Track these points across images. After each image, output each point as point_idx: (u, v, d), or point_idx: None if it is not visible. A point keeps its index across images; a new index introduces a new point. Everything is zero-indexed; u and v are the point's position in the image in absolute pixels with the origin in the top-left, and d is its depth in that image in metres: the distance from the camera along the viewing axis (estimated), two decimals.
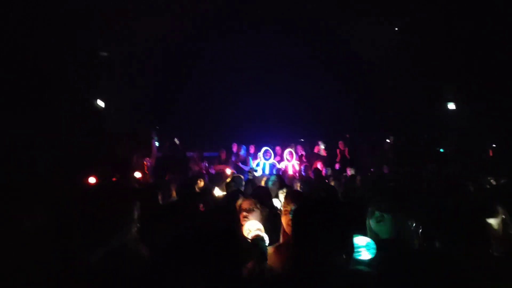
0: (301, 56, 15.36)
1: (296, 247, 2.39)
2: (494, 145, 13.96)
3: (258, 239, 3.33)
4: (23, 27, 10.87)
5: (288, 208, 3.67)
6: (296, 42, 15.02)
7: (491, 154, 13.26)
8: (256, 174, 11.55)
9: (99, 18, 12.27)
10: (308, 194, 6.06)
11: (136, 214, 3.83)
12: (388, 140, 14.06)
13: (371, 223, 3.36)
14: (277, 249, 3.56)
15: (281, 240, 3.69)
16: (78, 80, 12.83)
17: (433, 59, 14.23)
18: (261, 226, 3.52)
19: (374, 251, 2.99)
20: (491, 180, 7.10)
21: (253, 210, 3.92)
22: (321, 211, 2.33)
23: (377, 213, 3.32)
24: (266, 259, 3.18)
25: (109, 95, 14.83)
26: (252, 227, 3.48)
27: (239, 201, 4.03)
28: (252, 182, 8.84)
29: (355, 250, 2.99)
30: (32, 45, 11.03)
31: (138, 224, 3.74)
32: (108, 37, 13.46)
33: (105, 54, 14.69)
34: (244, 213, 3.89)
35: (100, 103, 14.87)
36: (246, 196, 4.23)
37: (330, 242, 2.18)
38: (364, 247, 3.03)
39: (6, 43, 10.45)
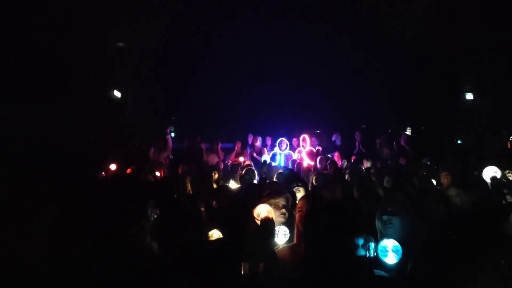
0: (318, 45, 15.24)
1: (306, 250, 2.41)
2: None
3: (267, 220, 3.37)
4: (37, 19, 10.99)
5: (304, 209, 3.66)
6: (312, 30, 14.89)
7: (509, 146, 13.05)
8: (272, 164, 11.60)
9: (112, 10, 12.34)
10: (321, 189, 6.06)
11: (149, 211, 3.87)
12: (406, 132, 13.90)
13: (379, 225, 3.35)
14: (291, 249, 3.56)
15: (295, 240, 3.67)
16: (94, 71, 12.93)
17: (453, 49, 14.03)
18: (271, 210, 3.55)
19: (400, 255, 2.97)
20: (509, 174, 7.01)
21: (287, 207, 3.98)
22: (331, 216, 2.34)
23: (385, 217, 3.31)
24: (273, 237, 3.29)
25: (125, 87, 14.94)
26: (263, 210, 3.51)
27: (256, 210, 3.89)
28: (266, 176, 8.89)
29: (382, 251, 2.99)
30: (47, 37, 11.14)
31: (151, 220, 3.80)
32: (122, 30, 13.54)
33: (121, 44, 14.79)
34: (283, 210, 3.94)
35: (117, 94, 14.99)
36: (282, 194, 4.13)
37: (339, 245, 2.19)
38: (391, 250, 3.00)
39: (20, 35, 10.57)
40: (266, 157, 12.77)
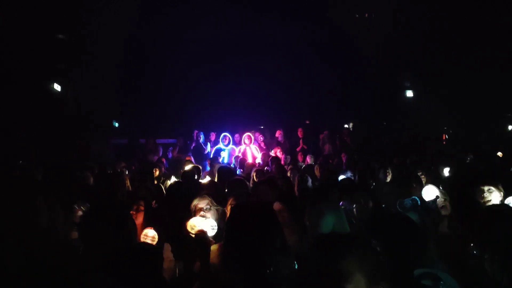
0: (260, 42, 15.23)
1: (226, 247, 2.41)
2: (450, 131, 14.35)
3: (200, 235, 3.29)
4: None
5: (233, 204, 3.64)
6: (256, 26, 14.87)
7: (444, 138, 13.62)
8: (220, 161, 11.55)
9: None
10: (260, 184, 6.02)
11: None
12: (346, 126, 14.18)
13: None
14: (220, 247, 3.49)
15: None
16: (31, 64, 12.39)
17: (392, 47, 14.41)
18: (206, 223, 3.47)
19: None
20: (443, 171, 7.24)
21: (209, 209, 3.89)
22: (252, 214, 2.33)
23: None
24: (208, 255, 3.09)
25: (66, 80, 14.41)
26: (197, 223, 3.43)
27: (195, 201, 3.95)
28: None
29: None
30: None
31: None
32: (63, 20, 13.04)
33: (60, 36, 14.21)
34: (202, 213, 3.83)
35: (56, 87, 14.41)
36: (201, 195, 4.08)
37: (260, 244, 2.15)
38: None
39: None
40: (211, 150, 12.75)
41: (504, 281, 2.23)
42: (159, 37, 15.04)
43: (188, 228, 3.44)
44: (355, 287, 1.57)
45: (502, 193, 4.11)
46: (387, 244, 2.23)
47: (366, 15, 15.53)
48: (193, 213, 3.82)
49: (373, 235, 2.40)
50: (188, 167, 8.16)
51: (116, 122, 16.21)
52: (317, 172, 8.41)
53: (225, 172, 6.90)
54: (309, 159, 11.19)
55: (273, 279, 2.11)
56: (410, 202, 4.15)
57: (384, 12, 14.23)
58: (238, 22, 14.79)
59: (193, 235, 3.36)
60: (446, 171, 7.28)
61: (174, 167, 9.97)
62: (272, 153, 12.03)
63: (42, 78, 13.56)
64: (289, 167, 9.26)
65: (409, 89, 15.45)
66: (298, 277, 2.17)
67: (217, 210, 3.94)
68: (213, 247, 3.45)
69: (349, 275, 1.58)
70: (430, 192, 4.30)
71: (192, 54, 15.09)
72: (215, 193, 4.45)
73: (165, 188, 7.26)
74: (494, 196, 4.09)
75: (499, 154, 9.92)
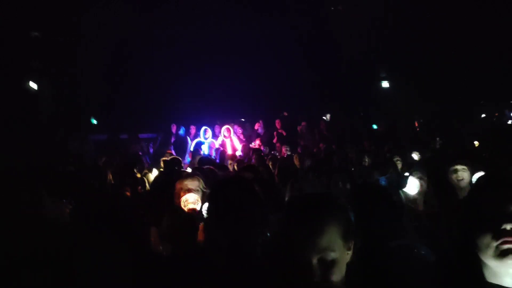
0: (238, 34, 15.29)
1: (208, 226, 2.46)
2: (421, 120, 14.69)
3: (192, 213, 3.36)
4: None
5: None
6: (233, 18, 14.92)
7: (416, 124, 13.95)
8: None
9: None
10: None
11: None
12: (324, 118, 14.38)
13: None
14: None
15: None
16: (10, 61, 12.25)
17: (368, 38, 14.65)
18: (198, 199, 3.53)
19: None
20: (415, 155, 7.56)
21: (198, 191, 3.77)
22: (232, 187, 2.39)
23: None
24: (196, 231, 3.16)
25: (42, 77, 14.24)
26: (190, 199, 3.49)
27: (186, 181, 3.81)
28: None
29: None
30: None
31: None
32: (37, 17, 12.89)
33: (35, 33, 14.05)
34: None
35: (33, 85, 14.25)
36: (192, 175, 3.99)
37: (243, 222, 2.23)
38: None
39: None
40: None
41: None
42: (136, 32, 14.97)
43: (182, 202, 3.51)
44: (328, 247, 1.54)
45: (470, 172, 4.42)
46: (364, 210, 2.40)
47: (340, 7, 15.70)
48: (182, 192, 3.71)
49: (352, 200, 2.56)
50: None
51: (95, 119, 16.10)
52: (296, 162, 8.56)
53: (206, 161, 7.03)
54: (284, 150, 11.23)
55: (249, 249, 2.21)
56: (385, 180, 4.34)
57: (361, 3, 14.43)
58: (215, 15, 14.83)
59: (185, 208, 3.43)
60: (415, 155, 7.65)
61: (156, 160, 10.03)
62: (252, 145, 12.17)
63: (17, 76, 13.39)
64: (268, 157, 9.39)
65: (385, 79, 15.71)
66: (272, 243, 2.28)
67: (205, 192, 3.82)
68: (200, 226, 3.57)
69: (323, 233, 1.55)
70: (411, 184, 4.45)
71: (170, 49, 15.09)
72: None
73: (147, 181, 7.35)
74: (466, 175, 4.39)
75: (476, 143, 10.14)
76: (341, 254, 1.56)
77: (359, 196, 2.71)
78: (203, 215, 3.43)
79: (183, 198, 3.50)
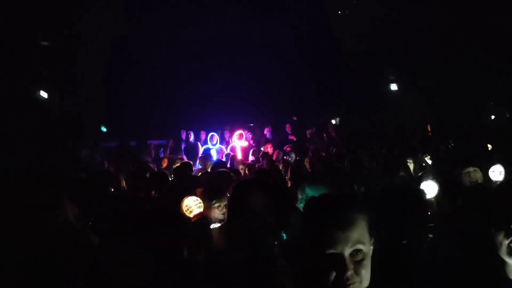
0: (248, 39, 15.35)
1: (229, 228, 2.50)
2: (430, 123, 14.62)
3: (200, 220, 3.36)
4: None
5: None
6: (242, 23, 14.98)
7: (429, 128, 13.88)
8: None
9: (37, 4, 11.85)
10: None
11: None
12: (333, 121, 14.38)
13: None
14: (222, 229, 3.57)
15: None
16: (16, 72, 12.36)
17: (377, 41, 14.66)
18: (199, 199, 3.52)
19: None
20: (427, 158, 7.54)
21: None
22: (255, 192, 2.43)
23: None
24: (211, 241, 3.18)
25: (53, 87, 14.36)
26: (191, 203, 3.49)
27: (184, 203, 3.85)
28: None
29: None
30: None
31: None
32: (46, 26, 13.01)
33: (45, 43, 14.18)
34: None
35: (43, 94, 14.37)
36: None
37: (263, 223, 2.28)
38: None
39: None
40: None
41: None
42: (144, 39, 15.08)
43: (184, 209, 3.52)
44: (359, 240, 1.56)
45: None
46: (394, 210, 2.46)
47: (347, 11, 15.74)
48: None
49: (380, 200, 2.60)
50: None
51: (104, 127, 16.20)
52: (307, 165, 8.56)
53: (219, 166, 7.06)
54: (276, 154, 11.12)
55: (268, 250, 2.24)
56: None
57: (369, 8, 14.46)
58: (224, 20, 14.90)
59: (190, 215, 3.43)
60: (427, 159, 7.62)
61: (167, 166, 10.08)
62: (263, 149, 12.17)
63: (28, 85, 13.50)
64: (280, 162, 9.39)
65: (393, 82, 15.69)
66: (288, 245, 2.30)
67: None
68: (215, 230, 3.59)
69: (355, 226, 1.57)
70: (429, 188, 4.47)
71: (178, 55, 15.17)
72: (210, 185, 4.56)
73: None
74: (479, 176, 4.42)
75: (489, 146, 10.02)
76: (368, 248, 1.59)
77: (388, 197, 2.73)
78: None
79: (184, 205, 3.51)
